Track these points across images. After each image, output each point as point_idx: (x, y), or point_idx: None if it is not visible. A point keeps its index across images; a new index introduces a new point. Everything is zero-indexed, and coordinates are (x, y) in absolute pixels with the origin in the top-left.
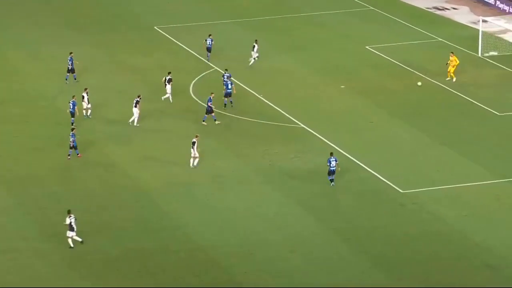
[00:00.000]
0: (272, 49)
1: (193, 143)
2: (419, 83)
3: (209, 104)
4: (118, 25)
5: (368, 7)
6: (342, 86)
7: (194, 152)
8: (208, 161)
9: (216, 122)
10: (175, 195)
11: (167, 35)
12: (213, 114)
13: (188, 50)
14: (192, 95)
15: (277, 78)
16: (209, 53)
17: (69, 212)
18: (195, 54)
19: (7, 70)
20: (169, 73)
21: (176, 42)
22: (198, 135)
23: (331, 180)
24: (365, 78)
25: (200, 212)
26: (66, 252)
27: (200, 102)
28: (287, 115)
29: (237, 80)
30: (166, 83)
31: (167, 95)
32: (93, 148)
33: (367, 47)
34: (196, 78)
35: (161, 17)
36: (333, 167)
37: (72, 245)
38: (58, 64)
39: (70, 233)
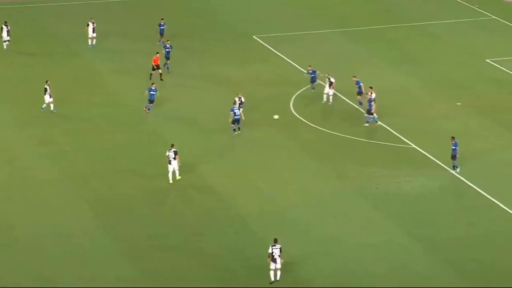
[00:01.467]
0: (380, 62)
1: None
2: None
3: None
4: (212, 33)
5: (490, 16)
6: (458, 103)
7: None
8: (308, 184)
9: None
10: (272, 222)
11: (266, 45)
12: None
13: (289, 62)
14: (293, 110)
15: (386, 94)
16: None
17: (275, 241)
18: (297, 66)
19: (95, 83)
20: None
21: (276, 53)
22: None
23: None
24: (484, 94)
25: (298, 240)
26: (155, 280)
27: (301, 118)
28: (396, 134)
29: (342, 95)
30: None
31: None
32: (184, 167)
33: (487, 60)
34: (298, 92)
35: (260, 25)
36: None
37: None
38: (143, 74)
39: None
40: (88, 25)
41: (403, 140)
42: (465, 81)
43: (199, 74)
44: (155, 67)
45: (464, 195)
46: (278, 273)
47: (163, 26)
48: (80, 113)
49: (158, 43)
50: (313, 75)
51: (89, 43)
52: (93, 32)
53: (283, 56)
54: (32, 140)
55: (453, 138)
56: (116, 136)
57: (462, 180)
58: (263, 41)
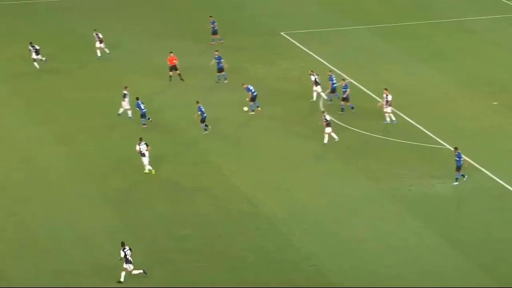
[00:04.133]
0: (411, 59)
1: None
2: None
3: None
4: (238, 30)
5: None
6: (495, 103)
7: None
8: (335, 186)
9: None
10: (299, 223)
11: (294, 42)
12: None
13: (318, 59)
14: (322, 108)
15: (417, 92)
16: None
17: (123, 245)
18: (325, 63)
19: (110, 82)
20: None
21: (304, 50)
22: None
23: (461, 176)
24: None
25: (326, 242)
26: (178, 283)
27: (332, 119)
28: (429, 133)
29: (372, 93)
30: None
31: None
32: (208, 166)
33: None
34: (328, 90)
35: (287, 21)
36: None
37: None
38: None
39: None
40: (94, 36)
41: (437, 140)
42: (502, 79)
43: (226, 71)
44: (171, 67)
45: (499, 197)
46: (135, 272)
47: (214, 23)
48: (100, 110)
49: (212, 42)
50: (334, 82)
51: (98, 54)
52: (101, 43)
53: (311, 53)
54: (49, 138)
55: (456, 149)
56: (137, 135)
57: (497, 181)
58: (290, 38)
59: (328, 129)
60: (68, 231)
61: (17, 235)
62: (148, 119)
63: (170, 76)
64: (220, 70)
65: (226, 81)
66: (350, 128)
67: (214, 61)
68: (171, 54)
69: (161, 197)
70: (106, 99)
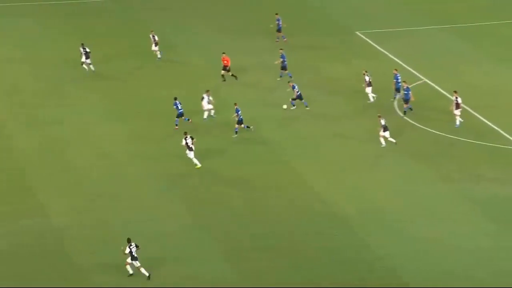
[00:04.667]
0: (491, 59)
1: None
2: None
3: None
4: (314, 29)
5: None
6: None
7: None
8: (409, 186)
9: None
10: (373, 223)
11: (369, 41)
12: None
13: (394, 59)
14: (397, 110)
15: (496, 93)
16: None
17: (129, 241)
18: (402, 64)
19: (189, 78)
20: None
21: (380, 49)
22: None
23: None
24: None
25: (398, 241)
26: (250, 281)
27: (407, 119)
28: (506, 135)
29: (448, 94)
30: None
31: None
32: (280, 166)
33: None
34: (399, 94)
35: (363, 20)
36: None
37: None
38: (247, 74)
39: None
40: (150, 38)
41: None
42: None
43: (300, 70)
44: (224, 67)
45: None
46: (143, 270)
47: (279, 21)
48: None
49: (276, 40)
50: (398, 81)
51: (158, 56)
52: (156, 45)
53: (387, 53)
54: (127, 135)
55: None
56: (211, 133)
57: None
58: (366, 37)
59: (383, 133)
60: (144, 229)
61: (94, 231)
62: (188, 120)
63: (223, 75)
64: (284, 68)
65: (290, 79)
66: (424, 128)
67: (280, 60)
68: (223, 55)
69: (235, 196)
70: (181, 97)
